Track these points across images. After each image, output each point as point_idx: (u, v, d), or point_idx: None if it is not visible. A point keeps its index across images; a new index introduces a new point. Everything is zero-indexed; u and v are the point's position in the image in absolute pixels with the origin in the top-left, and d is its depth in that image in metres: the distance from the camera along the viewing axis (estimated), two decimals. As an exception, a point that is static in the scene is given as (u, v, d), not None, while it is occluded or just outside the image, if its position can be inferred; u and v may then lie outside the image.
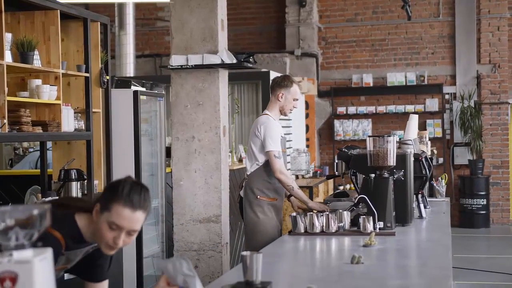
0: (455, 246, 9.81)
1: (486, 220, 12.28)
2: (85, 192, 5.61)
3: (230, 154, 8.16)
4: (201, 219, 5.64)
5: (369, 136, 4.49)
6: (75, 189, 5.43)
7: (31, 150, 7.98)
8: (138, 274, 6.18)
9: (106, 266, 2.98)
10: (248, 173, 5.35)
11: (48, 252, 1.80)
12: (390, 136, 4.45)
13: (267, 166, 5.17)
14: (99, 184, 5.80)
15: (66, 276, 4.66)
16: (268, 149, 5.11)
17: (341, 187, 10.20)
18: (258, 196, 5.24)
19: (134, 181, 2.70)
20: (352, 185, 5.92)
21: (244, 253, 2.73)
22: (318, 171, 10.81)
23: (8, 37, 4.72)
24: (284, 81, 5.27)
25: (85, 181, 5.59)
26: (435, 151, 10.67)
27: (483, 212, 12.22)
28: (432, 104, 12.59)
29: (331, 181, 10.93)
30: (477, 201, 12.17)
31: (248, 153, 5.37)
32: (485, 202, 12.21)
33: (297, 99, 5.29)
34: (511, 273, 8.40)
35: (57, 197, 5.05)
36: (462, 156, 12.54)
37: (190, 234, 5.66)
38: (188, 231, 5.67)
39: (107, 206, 2.63)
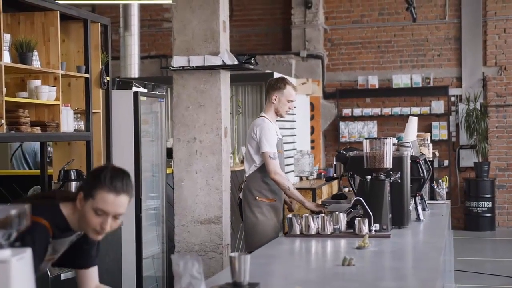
0: (459, 249, 9.84)
1: (492, 223, 12.23)
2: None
3: (232, 155, 8.18)
4: (202, 220, 5.65)
5: (365, 138, 4.50)
6: (74, 190, 5.45)
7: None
8: (138, 274, 6.19)
9: (93, 252, 3.03)
10: (246, 175, 5.38)
11: (27, 252, 1.81)
12: (386, 138, 4.44)
13: (265, 168, 5.20)
14: (98, 185, 5.81)
15: (63, 276, 4.71)
16: (263, 150, 5.15)
17: (346, 189, 10.18)
18: (257, 197, 5.27)
19: (114, 168, 2.79)
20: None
21: (232, 254, 2.75)
22: (323, 173, 10.79)
23: (6, 37, 4.75)
24: (277, 83, 5.31)
25: (85, 181, 5.60)
26: (437, 154, 10.63)
27: (489, 215, 12.18)
28: (438, 106, 12.56)
29: (335, 183, 10.91)
30: (482, 203, 12.14)
31: (246, 155, 5.42)
32: (490, 205, 12.17)
33: (291, 101, 5.31)
34: (515, 276, 8.38)
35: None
36: (468, 159, 12.50)
37: (191, 235, 5.67)
38: (189, 232, 5.67)
39: (91, 194, 2.71)
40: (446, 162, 12.48)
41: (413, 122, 5.75)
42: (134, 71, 11.02)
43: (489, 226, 12.18)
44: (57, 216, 2.78)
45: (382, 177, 4.41)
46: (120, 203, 2.71)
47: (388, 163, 4.40)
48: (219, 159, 5.61)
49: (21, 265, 1.78)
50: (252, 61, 5.80)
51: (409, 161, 4.71)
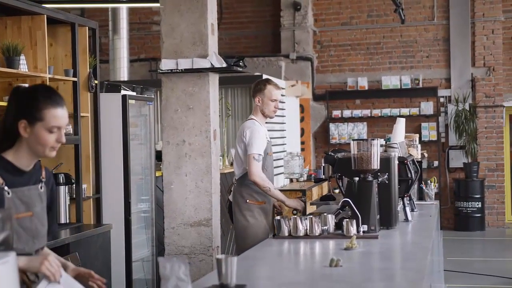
0: (449, 249, 9.87)
1: (481, 223, 12.29)
2: (74, 196, 5.62)
3: (221, 157, 8.18)
4: (192, 223, 5.65)
5: (353, 140, 4.51)
6: (63, 193, 5.44)
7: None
8: (127, 277, 6.18)
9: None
10: (236, 178, 5.39)
11: (11, 256, 1.81)
12: (374, 139, 4.46)
13: (255, 170, 5.21)
14: (87, 189, 5.82)
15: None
16: (249, 152, 5.17)
17: (337, 191, 10.18)
18: (248, 200, 5.29)
19: (42, 86, 2.87)
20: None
21: (218, 256, 2.76)
22: (313, 175, 10.80)
23: (-7, 42, 4.75)
24: (258, 85, 5.37)
25: (73, 185, 5.60)
26: (426, 154, 10.67)
27: (478, 215, 12.24)
28: (427, 107, 12.60)
29: (325, 184, 10.93)
30: (472, 204, 12.18)
31: (235, 158, 5.42)
32: (480, 205, 12.22)
33: (275, 100, 5.34)
34: (505, 276, 8.40)
35: None
36: (457, 159, 12.55)
37: (181, 237, 5.67)
38: (179, 235, 5.67)
39: (37, 117, 2.74)
40: (435, 163, 12.52)
41: (400, 123, 5.77)
42: (123, 74, 11.01)
43: (479, 226, 12.23)
44: (1, 161, 2.77)
45: (370, 178, 4.42)
46: (66, 115, 2.82)
47: (375, 164, 4.41)
48: (208, 161, 5.61)
49: (4, 269, 1.78)
50: (240, 63, 5.81)
51: (396, 162, 4.73)
